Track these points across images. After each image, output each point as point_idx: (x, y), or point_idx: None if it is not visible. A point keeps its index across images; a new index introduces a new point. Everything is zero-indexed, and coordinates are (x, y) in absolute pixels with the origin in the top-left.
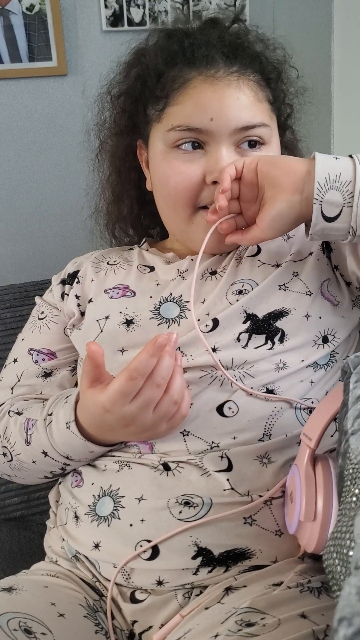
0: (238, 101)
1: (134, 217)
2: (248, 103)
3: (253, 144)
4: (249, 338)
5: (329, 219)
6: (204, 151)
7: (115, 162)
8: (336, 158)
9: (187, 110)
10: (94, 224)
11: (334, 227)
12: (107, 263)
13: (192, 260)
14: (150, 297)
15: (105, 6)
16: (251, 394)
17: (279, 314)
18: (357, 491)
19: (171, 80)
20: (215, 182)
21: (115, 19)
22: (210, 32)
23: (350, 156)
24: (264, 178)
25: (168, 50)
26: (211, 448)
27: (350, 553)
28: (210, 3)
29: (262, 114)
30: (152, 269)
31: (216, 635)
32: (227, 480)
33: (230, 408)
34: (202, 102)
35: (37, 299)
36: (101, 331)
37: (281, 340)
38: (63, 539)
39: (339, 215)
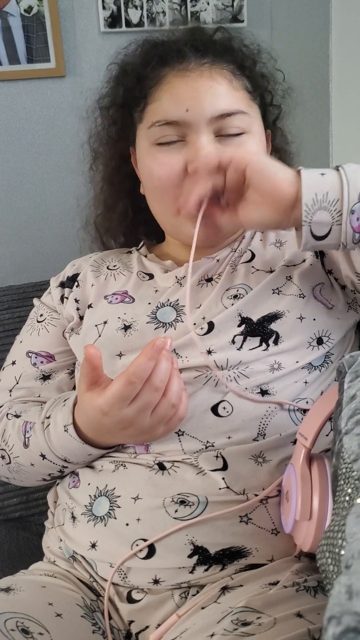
0: (212, 90)
1: (128, 225)
2: (223, 91)
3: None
4: (244, 340)
5: (318, 238)
6: (185, 142)
7: (108, 171)
8: (322, 174)
9: (164, 105)
10: (86, 234)
11: (324, 244)
12: (107, 267)
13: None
14: (149, 303)
15: (103, 7)
16: (243, 395)
17: (273, 317)
18: (349, 490)
19: (148, 80)
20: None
21: (113, 21)
22: (186, 33)
23: (337, 168)
24: (253, 187)
25: (145, 53)
26: (206, 448)
27: (342, 552)
28: (208, 4)
29: (238, 102)
30: (151, 276)
31: (212, 635)
32: (223, 479)
33: (224, 408)
34: (176, 95)
35: (35, 301)
36: (99, 336)
37: (276, 342)
38: (61, 540)
39: (328, 233)
